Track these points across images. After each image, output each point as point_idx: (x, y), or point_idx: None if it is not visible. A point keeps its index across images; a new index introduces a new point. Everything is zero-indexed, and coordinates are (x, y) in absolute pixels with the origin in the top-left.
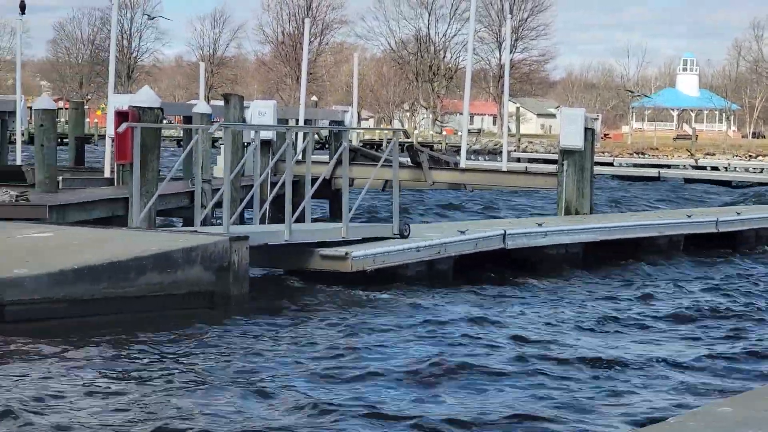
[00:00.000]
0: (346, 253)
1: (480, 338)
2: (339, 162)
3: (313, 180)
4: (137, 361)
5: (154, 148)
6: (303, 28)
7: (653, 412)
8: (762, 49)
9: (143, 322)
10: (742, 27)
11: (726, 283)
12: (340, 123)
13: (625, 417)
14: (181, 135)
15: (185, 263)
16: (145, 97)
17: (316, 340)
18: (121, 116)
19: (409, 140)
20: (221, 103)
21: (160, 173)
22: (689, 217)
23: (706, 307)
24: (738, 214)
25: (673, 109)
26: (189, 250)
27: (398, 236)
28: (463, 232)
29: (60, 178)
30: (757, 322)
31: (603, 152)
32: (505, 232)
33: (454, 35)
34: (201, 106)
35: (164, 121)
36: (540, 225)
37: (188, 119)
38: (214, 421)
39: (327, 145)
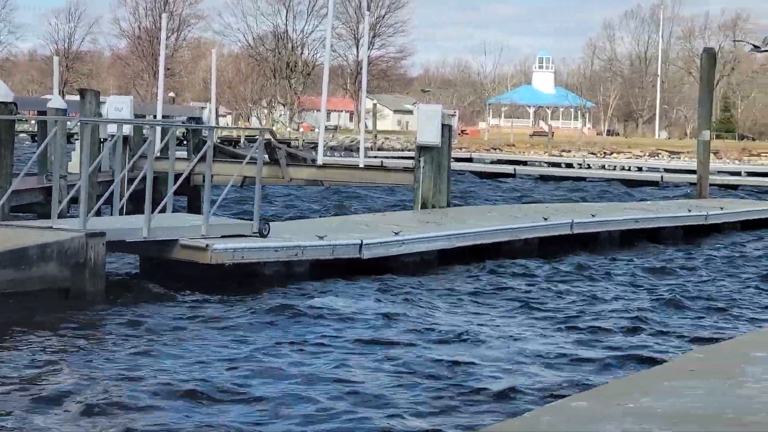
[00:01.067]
0: (207, 245)
1: (326, 345)
2: (199, 158)
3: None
4: None
5: (8, 143)
6: (160, 23)
7: (502, 411)
8: (615, 49)
9: None
10: (596, 27)
11: (574, 285)
12: (198, 119)
13: (475, 417)
14: (36, 130)
15: (40, 259)
16: None
17: (169, 340)
18: None
19: (268, 137)
20: (77, 98)
21: (14, 168)
22: (545, 219)
23: (555, 310)
24: (593, 216)
25: (529, 106)
26: (44, 246)
27: (257, 235)
28: (321, 238)
29: None
30: (604, 324)
31: (460, 148)
32: (362, 242)
33: (312, 31)
34: (56, 101)
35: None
36: (396, 233)
37: (43, 114)
38: (56, 424)
39: (185, 142)
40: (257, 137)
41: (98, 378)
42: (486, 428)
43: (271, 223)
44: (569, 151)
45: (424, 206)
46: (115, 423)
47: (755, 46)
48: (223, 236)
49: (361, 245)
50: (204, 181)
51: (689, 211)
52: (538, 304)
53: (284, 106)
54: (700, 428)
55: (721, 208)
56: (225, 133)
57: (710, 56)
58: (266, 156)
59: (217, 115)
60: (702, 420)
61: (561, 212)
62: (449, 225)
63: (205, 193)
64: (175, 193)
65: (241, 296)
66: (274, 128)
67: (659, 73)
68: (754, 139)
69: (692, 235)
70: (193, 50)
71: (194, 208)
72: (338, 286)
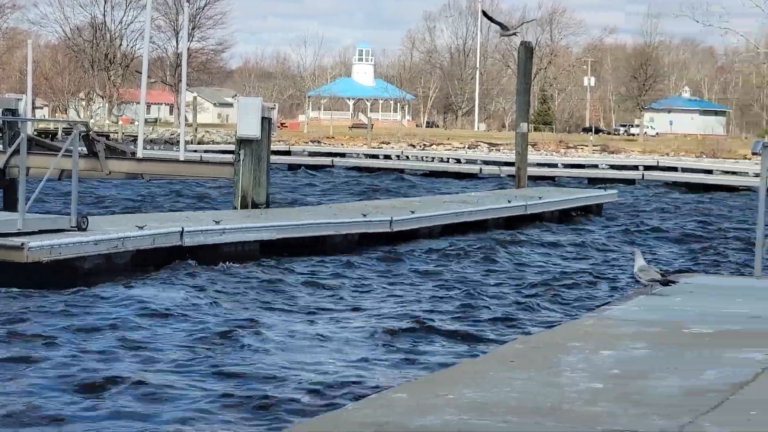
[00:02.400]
0: (22, 244)
1: (143, 340)
2: (14, 151)
3: None
4: None
5: None
6: None
7: (318, 408)
8: (435, 41)
9: None
10: (416, 19)
11: (397, 281)
12: (14, 111)
13: (291, 415)
14: None
15: None
16: None
17: None
18: None
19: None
20: None
21: None
22: (365, 216)
23: (372, 306)
24: (412, 212)
25: (349, 99)
26: None
27: (76, 229)
28: (141, 227)
29: None
30: (423, 317)
31: (280, 141)
32: (183, 229)
33: (131, 22)
34: None
35: None
36: (218, 222)
37: None
38: None
39: (0, 134)
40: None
41: None
42: (306, 421)
43: (90, 217)
44: (389, 143)
45: (243, 199)
46: None
47: (503, 27)
48: (41, 230)
49: (182, 233)
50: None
51: (509, 202)
52: (353, 301)
53: (103, 98)
54: (520, 418)
55: (540, 197)
56: (42, 125)
57: (528, 49)
58: (84, 148)
59: (34, 107)
60: (521, 410)
61: (381, 209)
62: (273, 218)
63: (21, 187)
64: None
65: (57, 294)
66: (92, 120)
67: (478, 65)
68: (609, 134)
69: (514, 225)
70: (9, 41)
71: (10, 201)
72: (157, 279)
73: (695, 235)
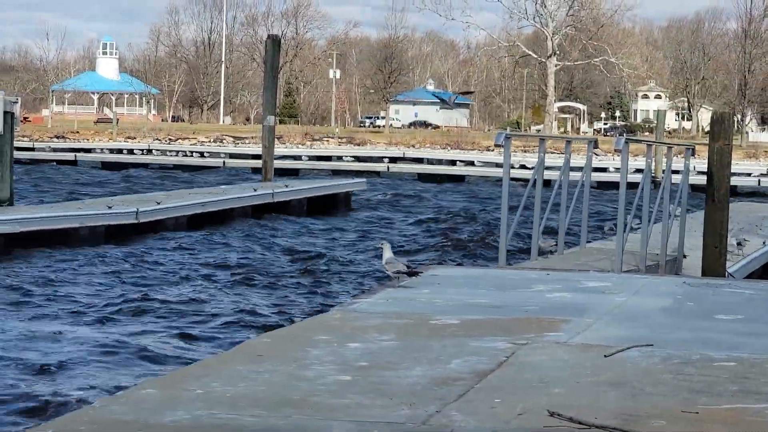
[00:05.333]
0: None
1: None
2: None
3: None
4: None
5: None
6: None
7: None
8: (180, 35)
9: None
10: (161, 12)
11: (141, 273)
12: None
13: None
14: None
15: None
16: None
17: None
18: None
19: None
20: None
21: None
22: (110, 208)
23: (120, 301)
24: (158, 203)
25: (93, 93)
26: None
27: None
28: None
29: None
30: (171, 311)
31: (23, 136)
32: None
33: None
34: None
35: None
36: None
37: None
38: None
39: None
40: None
41: None
42: (49, 421)
43: None
44: (135, 138)
45: None
46: None
47: None
48: None
49: None
50: None
51: (255, 190)
52: (94, 296)
53: None
54: (269, 411)
55: (286, 186)
56: None
57: (275, 43)
58: None
59: None
60: (270, 403)
61: (127, 202)
62: (15, 213)
63: None
64: None
65: None
66: None
67: (224, 58)
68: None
69: (261, 213)
70: None
71: None
72: None
73: (443, 227)
